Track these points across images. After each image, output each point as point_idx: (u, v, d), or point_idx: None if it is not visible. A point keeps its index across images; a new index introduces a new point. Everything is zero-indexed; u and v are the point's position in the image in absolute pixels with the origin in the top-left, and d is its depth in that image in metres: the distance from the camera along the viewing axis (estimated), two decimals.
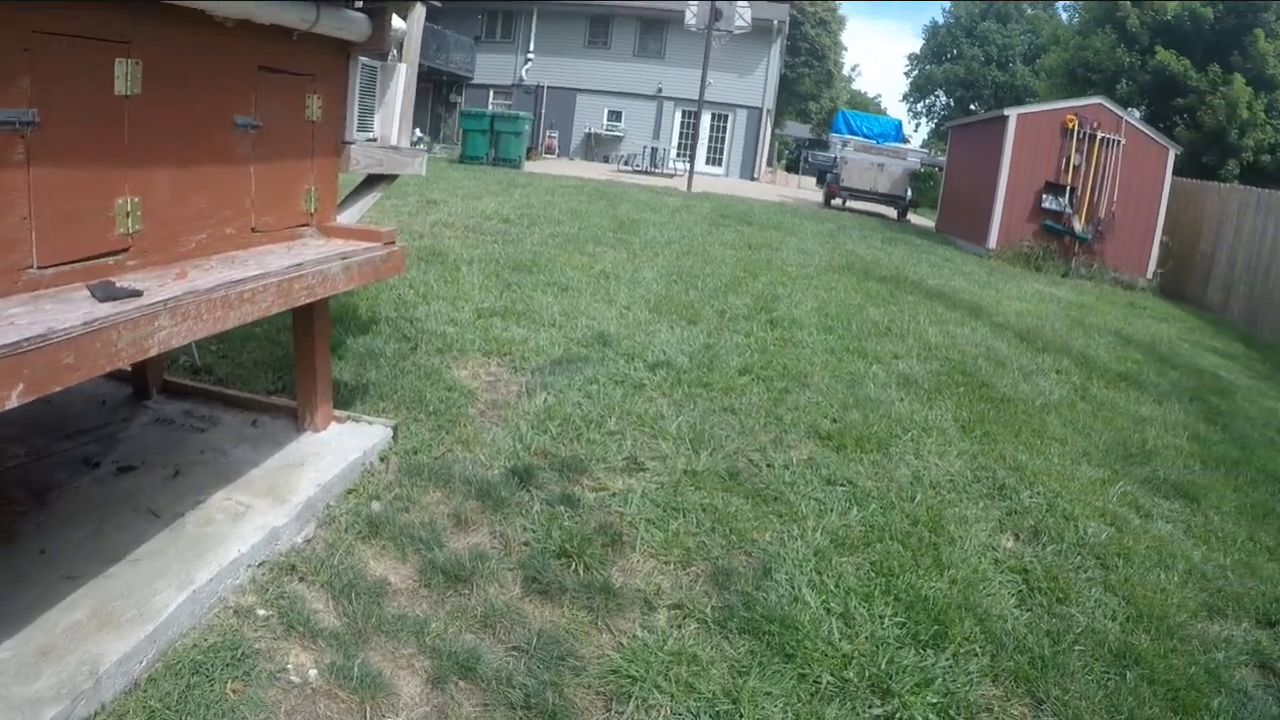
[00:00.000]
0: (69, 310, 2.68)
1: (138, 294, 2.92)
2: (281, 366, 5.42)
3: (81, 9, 2.82)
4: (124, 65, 3.05)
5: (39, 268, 2.83)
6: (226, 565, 3.35)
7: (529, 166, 27.84)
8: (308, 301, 3.72)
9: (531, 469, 4.42)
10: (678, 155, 38.84)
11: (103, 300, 2.84)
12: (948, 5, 79.66)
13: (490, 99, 40.96)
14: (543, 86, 40.93)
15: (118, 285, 2.98)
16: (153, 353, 2.86)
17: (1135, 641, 3.66)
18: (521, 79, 41.56)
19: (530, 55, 41.50)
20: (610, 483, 4.41)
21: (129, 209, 3.16)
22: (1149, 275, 18.02)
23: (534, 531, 3.87)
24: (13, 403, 2.31)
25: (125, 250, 3.19)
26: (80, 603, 3.07)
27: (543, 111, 40.24)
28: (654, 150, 37.21)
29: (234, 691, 2.82)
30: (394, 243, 4.32)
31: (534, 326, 6.84)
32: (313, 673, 2.92)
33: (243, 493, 3.92)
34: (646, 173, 34.14)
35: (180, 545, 3.47)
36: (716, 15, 27.05)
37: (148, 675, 2.82)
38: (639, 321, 7.37)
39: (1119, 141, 18.10)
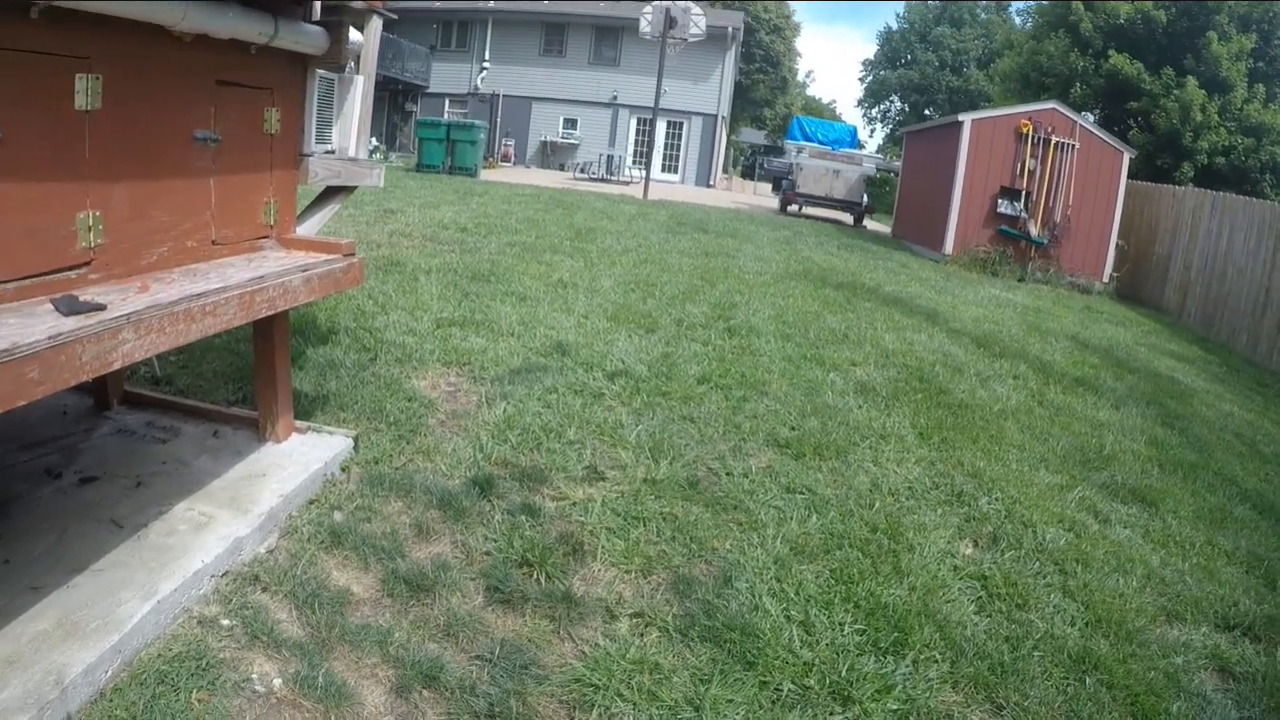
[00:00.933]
0: (33, 324, 2.67)
1: (101, 308, 2.92)
2: (242, 377, 5.39)
3: (42, 25, 2.81)
4: (84, 80, 3.05)
5: (1, 282, 2.82)
6: (190, 576, 3.34)
7: (485, 175, 27.85)
8: (269, 314, 3.72)
9: (492, 479, 4.42)
10: (634, 163, 38.98)
11: (67, 314, 2.83)
12: (901, 10, 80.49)
13: (446, 108, 40.92)
14: (498, 95, 40.96)
15: (81, 299, 2.98)
16: (116, 366, 2.86)
17: (1094, 647, 3.70)
18: (477, 87, 41.53)
19: (486, 64, 41.48)
20: (571, 492, 4.42)
21: (90, 223, 3.16)
22: (1105, 279, 18.22)
23: (495, 541, 3.88)
24: None
25: (87, 264, 3.18)
26: (45, 613, 3.06)
27: (498, 120, 40.31)
28: (610, 158, 37.30)
29: (199, 701, 2.82)
30: (353, 254, 4.33)
31: (493, 336, 6.83)
32: (277, 682, 2.92)
33: (205, 503, 3.91)
34: (603, 180, 34.20)
35: (144, 555, 3.46)
36: (671, 23, 27.12)
37: (113, 685, 2.82)
38: (597, 330, 7.37)
39: (1073, 145, 18.28)
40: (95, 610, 3.09)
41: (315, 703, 2.85)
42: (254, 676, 2.94)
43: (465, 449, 4.74)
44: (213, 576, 3.45)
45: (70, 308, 2.88)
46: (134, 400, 4.96)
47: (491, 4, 41.59)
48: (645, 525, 4.17)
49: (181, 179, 3.64)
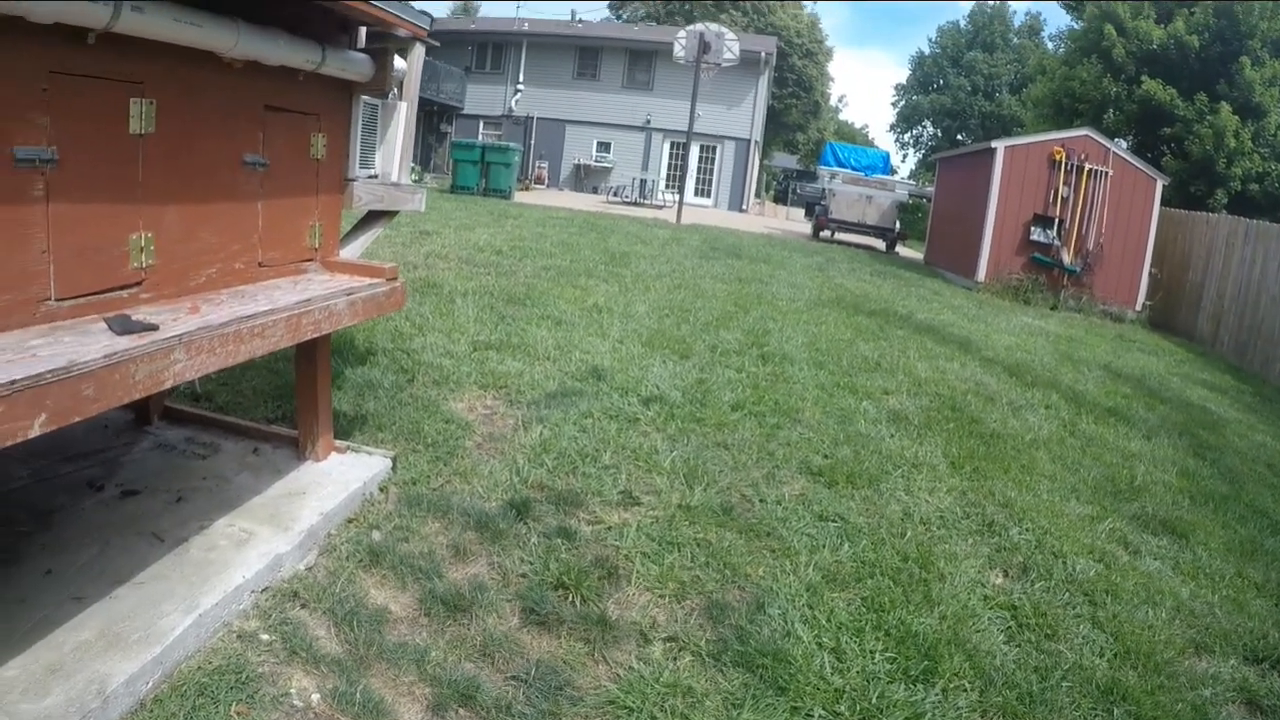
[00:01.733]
0: (88, 343, 2.75)
1: (154, 328, 2.99)
2: (281, 395, 5.47)
3: (98, 50, 2.90)
4: (139, 105, 3.13)
5: (57, 300, 2.91)
6: (231, 591, 3.40)
7: (519, 197, 27.96)
8: (314, 336, 3.79)
9: (529, 501, 4.48)
10: (666, 186, 39.03)
11: (120, 333, 2.90)
12: (933, 35, 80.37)
13: (480, 129, 41.14)
14: (532, 117, 41.15)
15: (134, 319, 3.05)
16: (167, 385, 2.93)
17: (1123, 678, 3.71)
18: (511, 110, 41.75)
19: (520, 86, 41.71)
20: (606, 516, 4.47)
21: (143, 244, 3.24)
22: (1138, 307, 18.09)
23: (532, 563, 3.93)
24: (34, 432, 2.37)
25: (139, 284, 3.27)
26: (87, 623, 3.12)
27: (532, 142, 40.49)
28: (643, 181, 37.36)
29: (238, 714, 2.86)
30: (396, 279, 4.40)
31: (529, 360, 6.90)
32: (315, 697, 2.97)
33: (245, 519, 3.97)
34: (635, 204, 34.26)
35: (185, 570, 3.52)
36: (705, 48, 27.20)
37: (154, 696, 2.87)
38: (632, 355, 7.43)
39: (1106, 173, 18.19)
40: (137, 622, 3.15)
41: (352, 718, 2.89)
42: (292, 691, 2.99)
43: (502, 472, 4.80)
44: (253, 592, 3.51)
45: (124, 327, 2.95)
46: (174, 416, 5.04)
47: (526, 27, 41.88)
48: (679, 550, 4.21)
49: (231, 202, 3.72)
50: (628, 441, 5.42)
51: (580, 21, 45.53)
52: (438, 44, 5.23)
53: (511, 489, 4.62)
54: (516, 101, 41.71)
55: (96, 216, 3.04)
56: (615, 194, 36.96)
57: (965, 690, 3.44)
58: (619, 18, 59.83)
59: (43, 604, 3.22)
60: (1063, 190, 18.26)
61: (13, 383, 2.32)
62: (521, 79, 41.72)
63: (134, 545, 3.69)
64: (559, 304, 9.21)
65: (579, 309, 9.14)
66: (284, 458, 4.65)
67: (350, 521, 4.16)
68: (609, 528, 4.36)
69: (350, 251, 4.75)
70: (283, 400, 5.39)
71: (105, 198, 3.06)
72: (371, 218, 4.99)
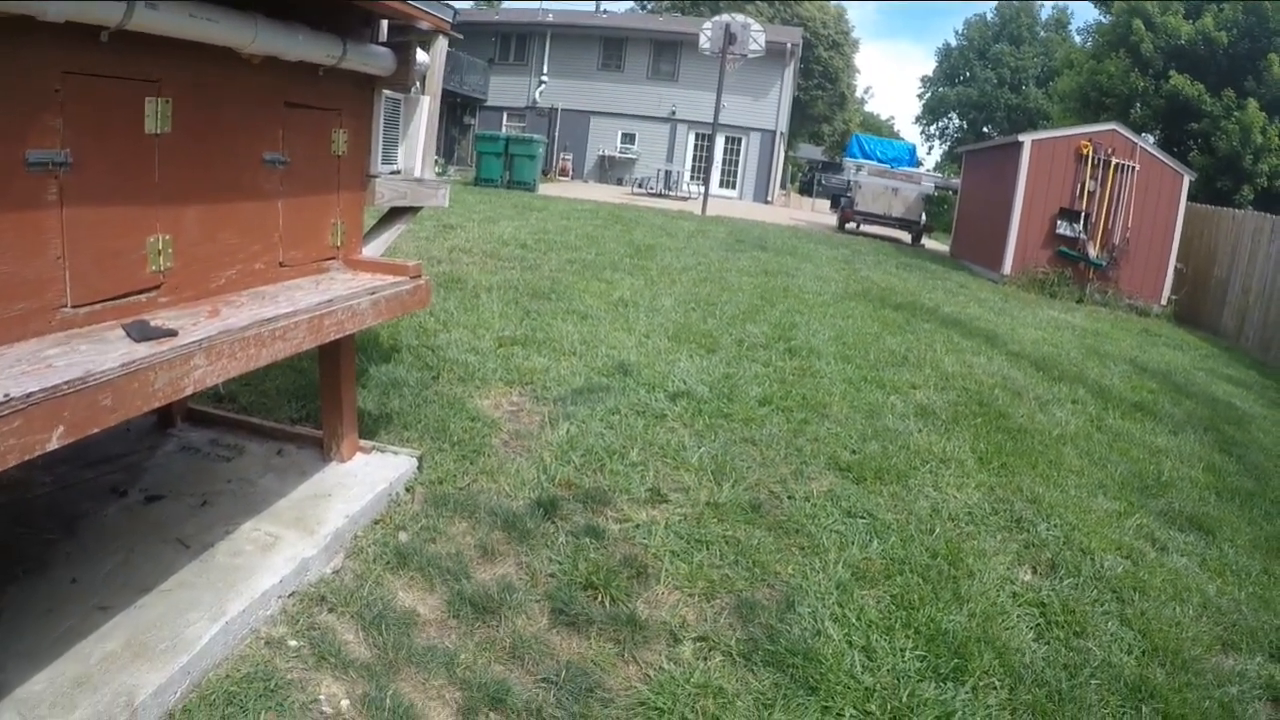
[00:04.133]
0: (105, 351, 2.72)
1: (173, 334, 2.97)
2: (304, 395, 5.48)
3: (111, 49, 2.88)
4: (154, 104, 3.11)
5: (72, 307, 2.88)
6: (258, 596, 3.39)
7: (543, 189, 27.97)
8: (337, 337, 3.78)
9: (556, 500, 4.47)
10: (691, 178, 38.92)
11: (139, 340, 2.88)
12: (960, 27, 79.88)
13: (504, 121, 41.10)
14: (556, 109, 41.09)
15: (152, 324, 3.03)
16: (188, 392, 2.91)
17: (1150, 675, 3.69)
18: (535, 101, 41.71)
19: (544, 78, 41.66)
20: (634, 514, 4.46)
21: (160, 247, 3.22)
22: (1163, 302, 17.98)
23: (560, 563, 3.92)
24: (52, 444, 2.37)
25: (157, 288, 3.25)
26: (113, 633, 3.12)
27: (556, 134, 40.43)
28: (668, 173, 37.29)
29: None
30: (420, 276, 4.38)
31: (555, 355, 6.90)
32: (345, 703, 2.97)
33: (271, 523, 3.97)
34: (660, 195, 34.23)
35: (211, 576, 3.51)
36: (730, 39, 27.11)
37: (182, 706, 2.86)
38: (659, 350, 7.43)
39: (1133, 167, 18.07)
40: (164, 631, 3.14)
41: None
42: (321, 697, 2.98)
43: (529, 470, 4.80)
44: (280, 597, 3.50)
45: (142, 334, 2.93)
46: (198, 418, 5.04)
47: (550, 18, 41.82)
48: (708, 549, 4.20)
49: (250, 201, 3.70)
50: (655, 438, 5.41)
51: (604, 12, 45.55)
52: (460, 36, 5.21)
53: (539, 487, 4.62)
54: (540, 93, 41.67)
55: (112, 220, 3.01)
56: (640, 186, 36.93)
57: (995, 688, 3.43)
58: (643, 8, 59.71)
59: (69, 614, 3.21)
60: (1089, 184, 18.16)
61: (28, 396, 2.30)
62: (545, 70, 41.67)
63: (159, 552, 3.68)
64: (584, 298, 9.21)
65: (605, 303, 9.15)
66: (309, 458, 4.65)
67: (377, 523, 4.16)
68: (637, 526, 4.35)
69: (373, 249, 4.74)
70: (306, 400, 5.39)
71: (121, 200, 3.04)
72: (394, 214, 4.97)
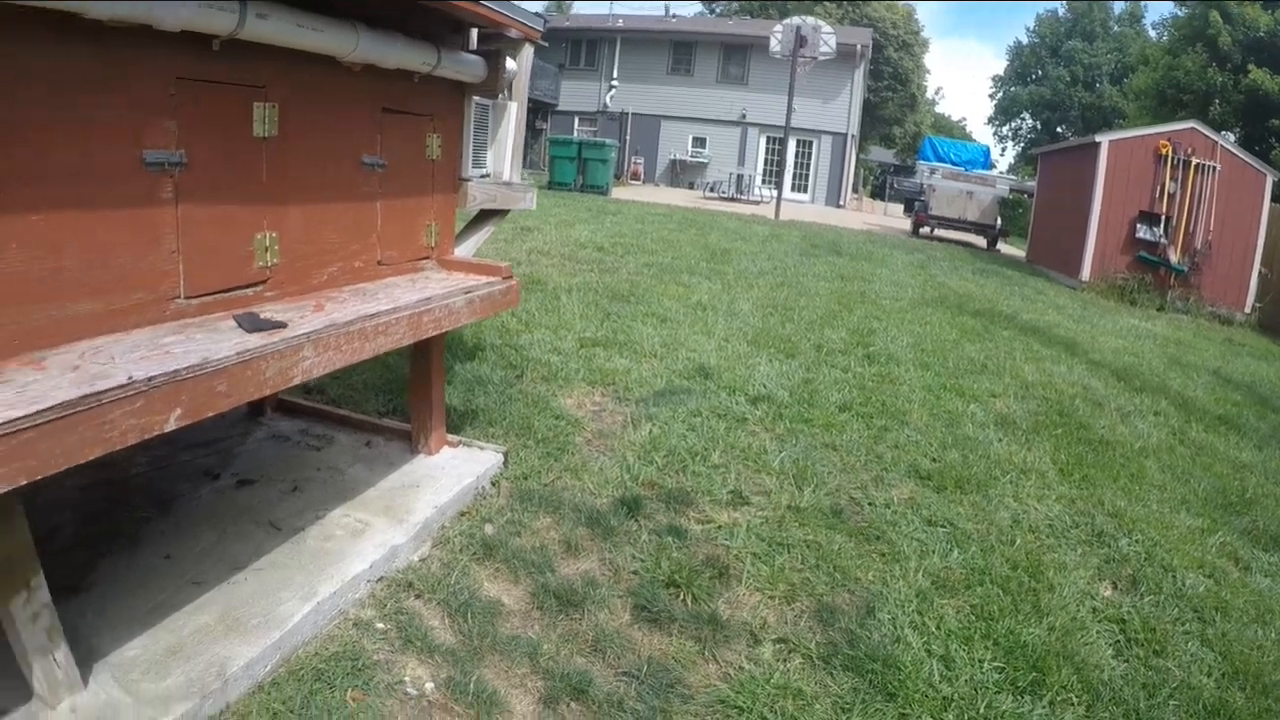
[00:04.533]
0: (219, 340, 2.85)
1: (282, 326, 3.09)
2: (391, 389, 5.59)
3: (223, 56, 3.02)
4: (262, 109, 3.24)
5: (185, 298, 3.02)
6: (349, 580, 3.50)
7: (615, 193, 28.11)
8: (434, 334, 3.88)
9: (639, 499, 4.53)
10: (763, 182, 38.80)
11: (250, 331, 3.00)
12: (1031, 24, 78.80)
13: (575, 125, 41.33)
14: (627, 113, 41.22)
15: (262, 316, 3.15)
16: (295, 381, 3.03)
17: (1230, 699, 3.63)
18: (606, 105, 41.87)
19: (614, 82, 41.80)
20: (716, 516, 4.50)
21: (267, 243, 3.35)
22: (1247, 309, 17.57)
23: (643, 561, 3.98)
24: (170, 426, 2.48)
25: (264, 282, 3.38)
26: (207, 607, 3.25)
27: (627, 138, 40.54)
28: (739, 177, 37.16)
29: (353, 700, 2.95)
30: (511, 277, 4.47)
31: (635, 357, 6.98)
32: (429, 686, 3.05)
33: (361, 510, 4.08)
34: (732, 200, 34.17)
35: (302, 558, 3.63)
36: (801, 42, 27.08)
37: (271, 679, 2.98)
38: (738, 354, 7.46)
39: (1214, 167, 17.66)
40: (256, 607, 3.26)
41: (466, 707, 2.97)
42: (406, 679, 3.07)
43: (612, 469, 4.87)
44: (368, 582, 3.61)
45: (253, 325, 3.05)
46: (287, 408, 5.19)
47: (620, 23, 41.95)
48: (789, 552, 4.23)
49: (351, 202, 3.83)
50: (736, 441, 5.45)
51: (674, 16, 45.37)
52: (546, 45, 5.29)
53: (622, 486, 4.68)
54: (611, 98, 41.82)
55: (223, 217, 3.15)
56: (711, 189, 36.89)
57: (1072, 704, 3.40)
58: (711, 11, 59.55)
59: (162, 587, 3.35)
60: (1169, 186, 17.76)
61: (150, 379, 2.42)
62: (616, 75, 41.81)
63: (251, 533, 3.81)
64: (663, 301, 9.29)
65: (683, 306, 9.21)
66: (396, 450, 4.76)
67: (463, 515, 4.25)
68: (719, 527, 4.40)
69: (464, 250, 4.84)
70: (393, 394, 5.51)
71: (231, 198, 3.18)
72: (483, 216, 5.07)
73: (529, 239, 12.84)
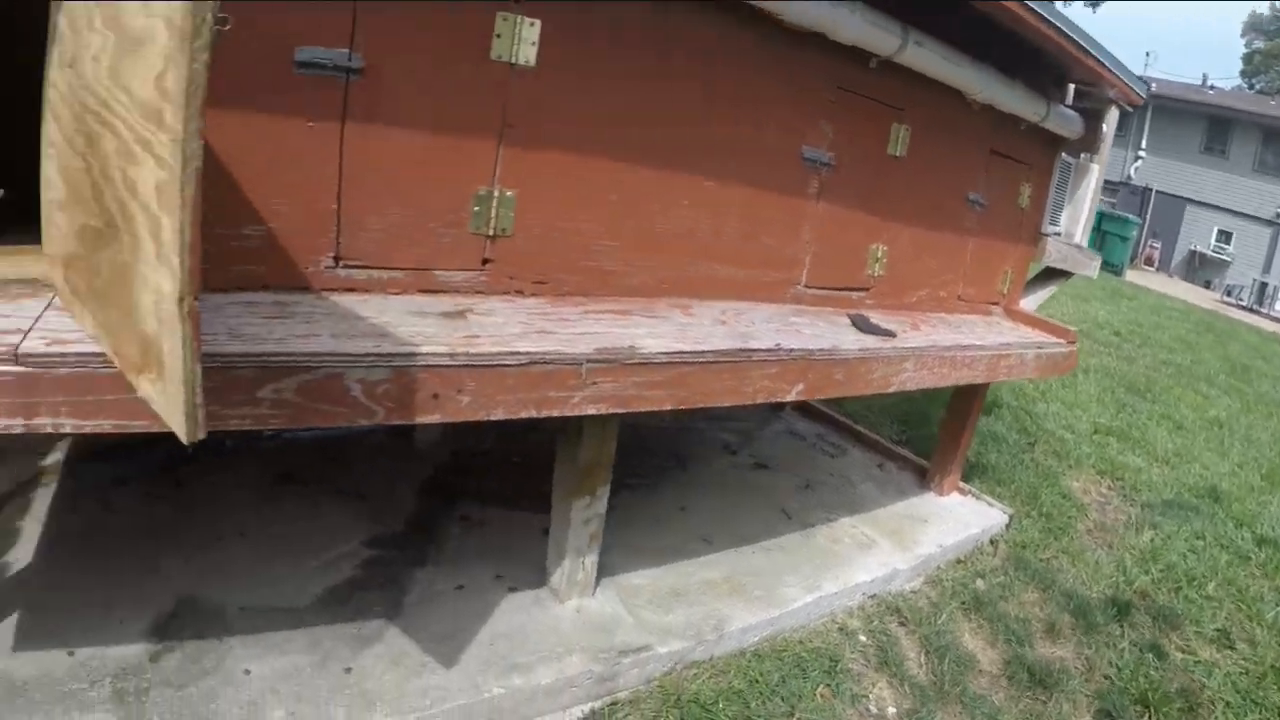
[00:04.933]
0: (840, 333, 3.15)
1: (891, 334, 3.33)
2: (906, 419, 5.76)
3: (875, 74, 3.31)
4: (898, 129, 3.51)
5: (805, 286, 3.35)
6: (850, 586, 3.73)
7: (1129, 276, 26.74)
8: (1004, 380, 4.00)
9: (1129, 605, 4.45)
10: None
11: (864, 332, 3.27)
12: None
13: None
14: (1150, 189, 38.14)
15: (872, 321, 3.41)
16: (892, 390, 3.27)
17: None
18: (1129, 177, 39.24)
19: (1141, 152, 38.90)
20: (1199, 649, 4.33)
21: (879, 255, 3.63)
22: None
23: (1119, 669, 3.92)
24: (790, 397, 2.81)
25: (867, 289, 3.66)
26: (714, 565, 3.59)
27: (1147, 216, 37.94)
28: (1263, 285, 33.81)
29: (822, 696, 3.14)
30: (1074, 343, 4.50)
31: (1147, 458, 6.77)
32: (891, 710, 3.20)
33: (868, 526, 4.31)
34: (1251, 310, 31.37)
35: (809, 552, 3.90)
36: None
37: (755, 649, 3.23)
38: (1250, 485, 6.99)
39: None
40: (760, 581, 3.57)
41: None
42: (871, 697, 3.23)
43: (1108, 565, 4.80)
44: (863, 594, 3.82)
45: (867, 327, 3.32)
46: (804, 409, 5.48)
47: (1154, 88, 38.96)
48: (1263, 711, 3.99)
49: (950, 234, 4.03)
50: (1234, 577, 5.17)
51: (1212, 88, 41.44)
52: (1130, 110, 5.18)
53: (1114, 586, 4.61)
54: (1135, 169, 39.14)
55: (850, 221, 3.46)
56: (1229, 294, 33.82)
57: None
58: (1250, 86, 53.74)
59: (672, 532, 3.73)
60: None
61: (791, 351, 2.74)
62: (1144, 145, 38.88)
63: (762, 513, 4.12)
64: (1179, 407, 8.90)
65: (1199, 417, 8.77)
66: (907, 480, 4.93)
67: (959, 562, 4.37)
68: (1198, 661, 4.23)
69: (1027, 304, 4.90)
70: (908, 424, 5.67)
71: (859, 206, 3.48)
72: (1047, 275, 5.09)
73: (1042, 307, 12.57)
